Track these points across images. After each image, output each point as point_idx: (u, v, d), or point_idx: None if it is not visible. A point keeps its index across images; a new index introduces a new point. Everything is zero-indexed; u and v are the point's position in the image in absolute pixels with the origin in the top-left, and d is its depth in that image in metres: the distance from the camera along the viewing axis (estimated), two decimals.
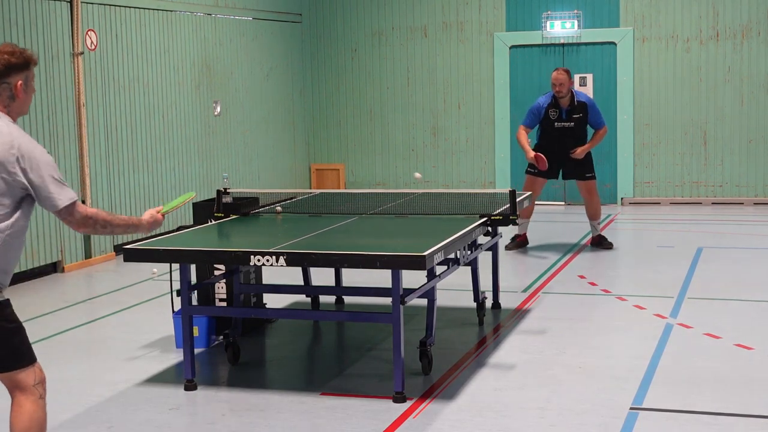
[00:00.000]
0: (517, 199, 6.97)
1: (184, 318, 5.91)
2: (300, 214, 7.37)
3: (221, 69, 12.71)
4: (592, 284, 8.60)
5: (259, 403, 5.59)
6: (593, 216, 10.29)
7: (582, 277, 8.91)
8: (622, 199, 13.95)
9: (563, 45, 13.94)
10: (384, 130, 14.86)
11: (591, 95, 13.73)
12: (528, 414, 5.31)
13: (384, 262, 5.29)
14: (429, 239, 5.70)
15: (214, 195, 7.23)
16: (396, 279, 5.45)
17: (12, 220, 3.91)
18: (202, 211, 7.08)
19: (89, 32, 10.23)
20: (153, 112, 11.29)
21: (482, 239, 7.38)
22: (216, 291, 7.04)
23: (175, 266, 6.29)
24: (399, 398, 5.50)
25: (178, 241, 6.17)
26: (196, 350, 6.41)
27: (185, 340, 5.89)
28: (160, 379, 6.14)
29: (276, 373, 6.39)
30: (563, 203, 14.05)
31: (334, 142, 15.11)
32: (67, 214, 4.00)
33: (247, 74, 13.38)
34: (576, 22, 13.81)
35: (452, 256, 6.45)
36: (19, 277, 9.30)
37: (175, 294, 6.22)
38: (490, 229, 7.04)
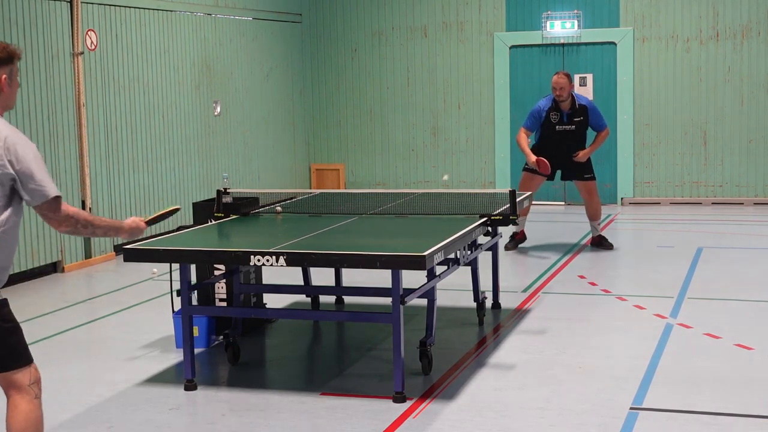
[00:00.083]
0: (517, 199, 6.97)
1: (184, 318, 5.91)
2: (300, 214, 7.37)
3: (221, 69, 12.71)
4: (592, 284, 8.60)
5: (259, 403, 5.59)
6: (593, 216, 10.30)
7: (582, 277, 8.91)
8: (622, 199, 13.96)
9: (563, 45, 13.94)
10: (384, 130, 14.86)
11: (591, 95, 13.75)
12: (528, 414, 5.31)
13: (384, 262, 5.29)
14: (429, 239, 5.70)
15: (214, 195, 7.23)
16: (396, 279, 5.45)
17: (5, 216, 3.89)
18: (202, 211, 7.08)
19: (89, 32, 10.23)
20: (153, 112, 11.30)
21: (482, 239, 7.38)
22: (216, 291, 7.05)
23: (175, 266, 6.29)
24: (399, 398, 5.51)
25: (178, 241, 6.17)
26: (196, 350, 6.42)
27: (185, 340, 5.89)
28: (160, 379, 6.14)
29: (276, 373, 6.39)
30: (563, 203, 14.05)
31: (334, 142, 15.11)
32: (53, 208, 3.93)
33: (247, 74, 13.39)
34: (576, 22, 13.81)
35: (452, 256, 6.45)
36: (19, 277, 9.30)
37: (175, 294, 6.22)
38: (490, 229, 7.04)
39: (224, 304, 7.01)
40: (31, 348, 4.10)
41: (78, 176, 10.07)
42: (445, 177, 9.47)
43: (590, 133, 10.29)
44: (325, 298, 8.00)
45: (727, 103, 13.46)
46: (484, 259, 7.56)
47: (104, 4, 10.48)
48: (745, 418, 5.20)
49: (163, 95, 11.50)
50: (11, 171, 3.86)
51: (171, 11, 11.65)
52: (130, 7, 10.88)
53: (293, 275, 8.02)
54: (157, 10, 11.38)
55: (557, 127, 9.96)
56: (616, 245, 10.37)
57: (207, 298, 7.02)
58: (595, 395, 5.57)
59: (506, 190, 7.12)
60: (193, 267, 6.85)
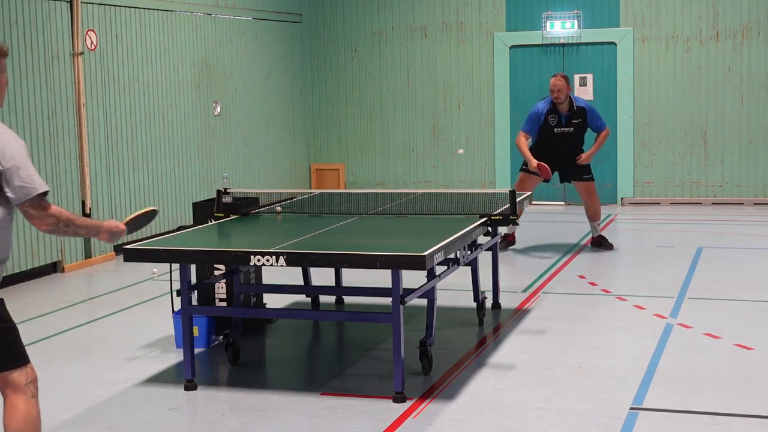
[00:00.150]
0: (517, 199, 6.97)
1: (184, 318, 5.91)
2: (300, 214, 7.37)
3: (221, 69, 12.71)
4: (592, 284, 8.60)
5: (259, 403, 5.59)
6: (593, 217, 10.30)
7: (582, 277, 8.91)
8: (622, 199, 13.96)
9: (563, 45, 13.94)
10: (384, 130, 14.86)
11: (591, 95, 13.76)
12: (528, 414, 5.31)
13: (384, 262, 5.29)
14: (429, 239, 5.70)
15: (214, 195, 7.23)
16: (396, 279, 5.45)
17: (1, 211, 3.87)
18: (202, 211, 7.08)
19: (89, 32, 10.23)
20: (153, 112, 11.30)
21: (482, 239, 7.38)
22: (216, 291, 7.05)
23: (175, 266, 6.29)
24: (399, 398, 5.51)
25: (178, 241, 6.17)
26: (196, 350, 6.42)
27: (185, 340, 5.89)
28: (160, 379, 6.14)
29: (276, 373, 6.39)
30: (563, 203, 14.05)
31: (334, 142, 15.11)
32: (38, 205, 3.88)
33: (247, 74, 13.39)
34: (576, 22, 13.81)
35: (452, 256, 6.45)
36: (19, 277, 9.30)
37: (175, 294, 6.22)
38: (490, 229, 7.05)
39: (224, 304, 7.01)
40: (31, 348, 4.10)
41: (78, 176, 10.07)
42: (461, 150, 9.42)
43: (589, 135, 10.29)
44: (325, 298, 8.00)
45: (727, 103, 13.46)
46: (484, 259, 7.56)
47: (104, 4, 10.48)
48: (745, 418, 5.20)
49: (163, 95, 11.50)
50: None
51: (171, 11, 11.65)
52: (130, 7, 10.88)
53: (293, 275, 8.02)
54: (157, 10, 11.38)
55: (555, 129, 9.97)
56: (616, 245, 10.37)
57: (207, 298, 7.02)
58: (595, 395, 5.57)
59: (506, 190, 7.12)
60: (193, 267, 6.85)
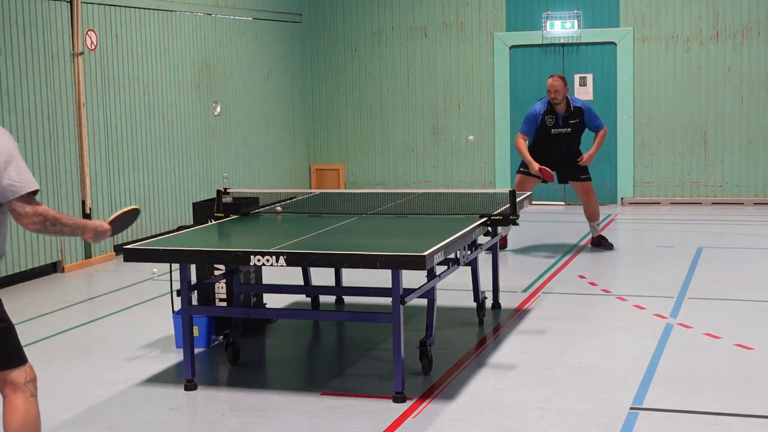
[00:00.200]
0: (517, 199, 6.97)
1: (184, 318, 5.91)
2: (300, 214, 7.37)
3: (221, 69, 12.71)
4: (592, 284, 8.60)
5: (259, 403, 5.59)
6: (592, 217, 10.30)
7: (582, 277, 8.91)
8: (622, 199, 13.96)
9: (563, 45, 13.94)
10: (384, 130, 14.86)
11: (591, 95, 13.76)
12: (528, 414, 5.31)
13: (384, 262, 5.29)
14: (429, 239, 5.70)
15: (214, 195, 7.23)
16: (396, 279, 5.45)
17: None
18: (202, 211, 7.08)
19: (89, 32, 10.23)
20: (153, 112, 11.30)
21: (482, 239, 7.38)
22: (216, 291, 7.05)
23: (175, 266, 6.29)
24: (399, 398, 5.51)
25: (178, 241, 6.17)
26: (196, 350, 6.42)
27: (185, 340, 5.89)
28: (160, 379, 6.14)
29: (276, 373, 6.39)
30: (563, 203, 14.05)
31: (334, 142, 15.11)
32: (25, 204, 3.85)
33: (247, 74, 13.39)
34: (576, 22, 13.81)
35: (452, 256, 6.45)
36: (19, 277, 9.31)
37: (175, 294, 6.22)
38: (490, 229, 7.04)
39: (224, 304, 7.01)
40: (30, 348, 4.11)
41: (78, 176, 10.06)
42: (471, 137, 9.41)
43: (586, 135, 10.27)
44: (325, 298, 8.00)
45: (727, 103, 13.47)
46: (484, 259, 7.55)
47: (104, 4, 10.48)
48: (745, 418, 5.20)
49: (163, 95, 11.50)
50: None
51: (171, 11, 11.65)
52: (130, 7, 10.88)
53: (293, 275, 8.02)
54: (157, 10, 11.38)
55: (553, 130, 9.96)
56: (616, 245, 10.37)
57: (207, 298, 7.02)
58: (595, 395, 5.57)
59: (506, 190, 7.12)
60: (193, 267, 6.85)
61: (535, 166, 9.87)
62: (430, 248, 5.35)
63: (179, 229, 6.66)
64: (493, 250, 7.69)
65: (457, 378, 5.95)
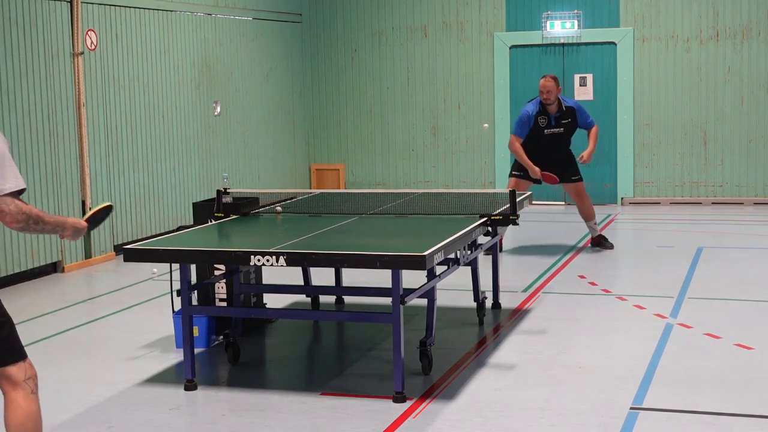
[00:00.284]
0: (517, 200, 6.97)
1: (184, 318, 5.91)
2: (300, 214, 7.37)
3: (221, 69, 12.71)
4: (592, 284, 8.60)
5: (259, 403, 5.59)
6: (587, 217, 10.30)
7: (582, 277, 8.91)
8: (622, 199, 13.96)
9: (563, 45, 13.94)
10: (384, 130, 14.87)
11: (591, 95, 13.77)
12: (528, 414, 5.31)
13: (384, 262, 5.29)
14: (429, 239, 5.70)
15: (214, 195, 7.23)
16: (396, 279, 5.45)
17: None
18: (202, 211, 7.08)
19: (89, 32, 10.23)
20: (153, 112, 11.30)
21: (482, 239, 7.38)
22: (216, 291, 7.05)
23: (175, 266, 6.29)
24: (399, 398, 5.50)
25: (178, 241, 6.17)
26: (196, 350, 6.42)
27: (185, 340, 5.89)
28: (160, 379, 6.14)
29: (276, 373, 6.39)
30: (563, 203, 14.05)
31: (334, 142, 15.11)
32: (10, 201, 3.83)
33: (247, 74, 13.39)
34: (576, 22, 13.81)
35: (452, 256, 6.45)
36: (19, 277, 9.31)
37: (175, 294, 6.22)
38: (490, 229, 7.04)
39: (224, 304, 7.01)
40: (31, 348, 4.10)
41: (78, 176, 10.06)
42: (485, 125, 9.40)
43: (576, 136, 10.28)
44: (325, 298, 8.00)
45: (727, 103, 13.47)
46: (484, 259, 7.55)
47: (104, 4, 10.48)
48: (746, 418, 5.20)
49: (163, 95, 11.50)
50: None
51: (171, 11, 11.65)
52: (130, 7, 10.88)
53: (293, 275, 8.02)
54: (157, 10, 11.38)
55: (545, 130, 9.95)
56: (616, 245, 10.37)
57: (207, 298, 7.02)
58: (595, 395, 5.57)
59: (506, 190, 7.12)
60: (193, 267, 6.85)
61: (536, 170, 9.87)
62: (430, 248, 5.35)
63: (179, 229, 6.66)
64: (493, 250, 7.69)
65: (457, 378, 5.95)
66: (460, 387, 5.77)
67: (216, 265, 6.80)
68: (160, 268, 8.52)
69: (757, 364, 6.16)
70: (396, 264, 5.30)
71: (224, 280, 6.94)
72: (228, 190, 6.98)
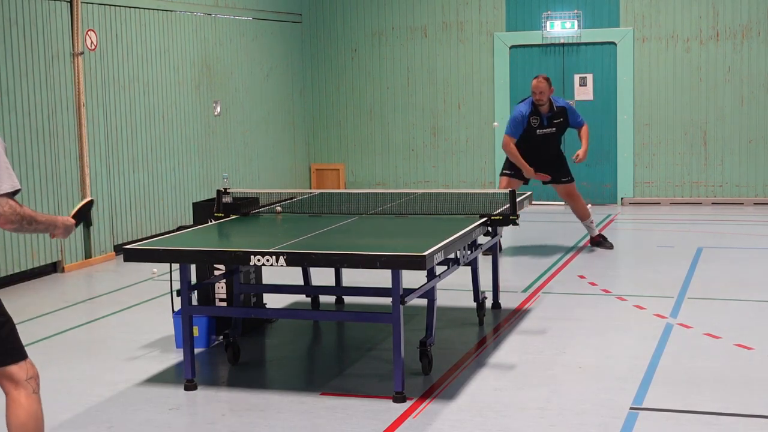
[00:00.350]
0: (517, 200, 6.97)
1: (184, 318, 5.91)
2: (300, 214, 7.37)
3: (221, 69, 12.71)
4: (592, 284, 8.60)
5: (259, 403, 5.59)
6: (582, 216, 10.31)
7: (582, 277, 8.91)
8: (622, 199, 13.96)
9: (563, 45, 13.94)
10: (384, 130, 14.87)
11: (591, 95, 13.77)
12: (528, 414, 5.31)
13: (384, 262, 5.29)
14: (429, 239, 5.70)
15: (214, 195, 7.23)
16: (396, 279, 5.45)
17: None
18: (202, 211, 7.08)
19: (89, 32, 10.23)
20: (153, 112, 11.29)
21: (482, 239, 7.38)
22: (216, 291, 7.04)
23: (175, 266, 6.29)
24: (399, 398, 5.50)
25: (178, 241, 6.17)
26: (196, 350, 6.42)
27: (185, 340, 5.89)
28: (160, 379, 6.14)
29: (276, 373, 6.39)
30: (563, 203, 14.03)
31: (334, 142, 15.11)
32: (4, 202, 3.83)
33: (247, 74, 13.39)
34: (576, 22, 13.81)
35: (452, 256, 6.45)
36: (19, 277, 9.31)
37: (175, 294, 6.22)
38: (490, 229, 7.04)
39: (224, 304, 7.01)
40: (31, 348, 4.10)
41: (78, 176, 10.06)
42: (496, 124, 9.40)
43: (571, 136, 10.28)
44: (325, 298, 8.00)
45: (727, 103, 13.47)
46: (484, 259, 7.55)
47: (104, 4, 10.48)
48: (746, 418, 5.20)
49: (163, 95, 11.50)
50: None
51: (171, 11, 11.65)
52: (130, 7, 10.88)
53: (293, 275, 8.02)
54: (157, 10, 11.38)
55: (538, 131, 9.95)
56: (616, 245, 10.37)
57: (207, 298, 7.02)
58: (595, 395, 5.57)
59: (506, 190, 7.12)
60: (193, 267, 6.85)
61: (530, 169, 9.87)
62: (430, 248, 5.35)
63: (179, 229, 6.66)
64: (493, 250, 7.69)
65: (457, 378, 5.95)
66: (460, 387, 5.77)
67: (216, 265, 6.80)
68: (160, 268, 8.52)
69: (757, 364, 6.16)
70: (396, 264, 5.30)
71: (224, 280, 6.94)
72: (228, 190, 6.98)
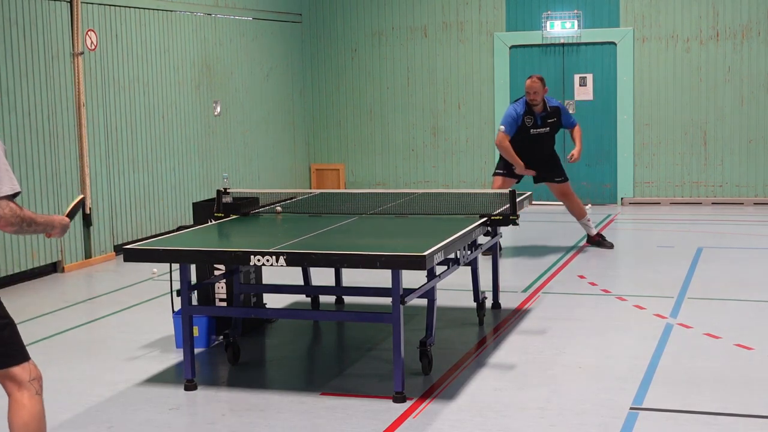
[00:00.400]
0: (518, 200, 6.97)
1: (184, 318, 5.91)
2: (300, 214, 7.37)
3: (221, 69, 12.71)
4: (592, 284, 8.60)
5: (259, 403, 5.59)
6: (578, 215, 10.32)
7: (582, 277, 8.91)
8: (622, 199, 13.95)
9: (563, 45, 13.94)
10: (384, 130, 14.87)
11: (591, 95, 13.77)
12: (528, 414, 5.31)
13: (384, 262, 5.29)
14: (429, 239, 5.70)
15: (214, 195, 7.23)
16: (396, 279, 5.45)
17: None
18: (202, 211, 7.08)
19: (89, 32, 10.23)
20: (153, 112, 11.30)
21: (482, 239, 7.38)
22: (216, 291, 7.05)
23: (175, 266, 6.29)
24: (399, 398, 5.51)
25: (178, 241, 6.17)
26: (196, 350, 6.42)
27: (185, 340, 5.89)
28: (160, 379, 6.14)
29: (276, 373, 6.39)
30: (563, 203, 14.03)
31: (334, 142, 15.11)
32: (5, 205, 3.84)
33: (247, 74, 13.39)
34: (576, 22, 13.81)
35: (452, 256, 6.45)
36: (19, 277, 9.31)
37: (175, 294, 6.22)
38: (490, 229, 7.04)
39: (224, 304, 7.01)
40: (31, 348, 4.09)
41: (78, 176, 10.06)
42: (502, 128, 9.36)
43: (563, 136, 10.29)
44: (325, 298, 8.00)
45: (727, 103, 13.47)
46: (484, 259, 7.54)
47: (104, 4, 10.48)
48: (746, 418, 5.20)
49: (163, 95, 11.50)
50: None
51: (171, 11, 11.65)
52: (130, 7, 10.88)
53: (293, 275, 8.02)
54: (157, 10, 11.38)
55: (532, 130, 9.95)
56: (616, 245, 10.37)
57: (207, 298, 7.02)
58: (595, 395, 5.57)
59: (506, 190, 7.12)
60: (193, 267, 6.85)
61: (522, 165, 9.85)
62: (430, 248, 5.35)
63: (179, 229, 6.66)
64: (493, 250, 7.69)
65: (457, 378, 5.95)
66: (460, 387, 5.77)
67: (216, 265, 6.80)
68: (160, 268, 8.54)
69: (757, 364, 6.16)
70: (396, 264, 5.30)
71: (224, 280, 6.94)
72: (228, 190, 6.98)
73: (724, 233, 11.37)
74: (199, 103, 12.22)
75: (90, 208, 10.18)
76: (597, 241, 10.35)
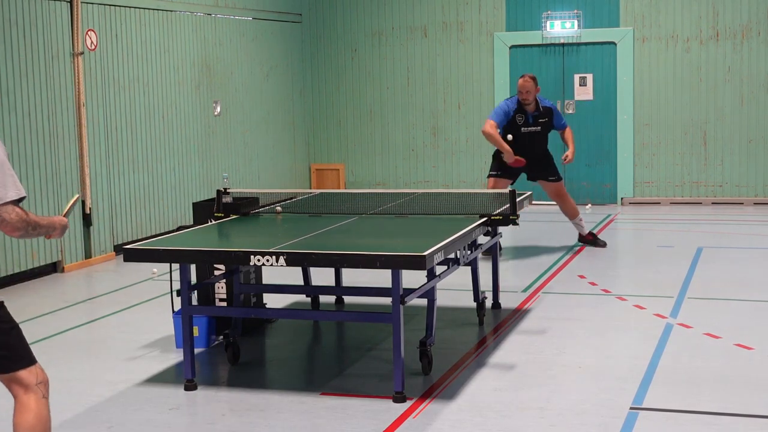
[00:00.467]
0: (518, 200, 6.96)
1: (184, 318, 5.91)
2: (300, 214, 7.37)
3: (221, 69, 12.71)
4: (592, 284, 8.60)
5: (259, 403, 5.59)
6: (572, 215, 10.33)
7: (582, 277, 8.91)
8: (622, 199, 13.96)
9: (563, 45, 13.94)
10: (384, 130, 14.87)
11: (591, 95, 13.77)
12: (528, 414, 5.31)
13: (384, 262, 5.29)
14: (429, 239, 5.70)
15: (214, 195, 7.23)
16: (396, 279, 5.45)
17: None
18: (202, 211, 7.08)
19: (89, 32, 10.23)
20: (153, 112, 11.30)
21: (482, 239, 7.38)
22: (216, 291, 7.05)
23: (175, 266, 6.29)
24: (399, 398, 5.51)
25: (178, 241, 6.17)
26: (196, 350, 6.42)
27: (185, 340, 5.89)
28: (160, 379, 6.14)
29: (276, 373, 6.39)
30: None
31: (334, 142, 15.11)
32: (11, 210, 3.83)
33: (247, 74, 13.39)
34: (576, 22, 13.81)
35: (452, 256, 6.45)
36: (19, 277, 9.31)
37: (175, 294, 6.22)
38: (489, 229, 7.04)
39: (224, 304, 7.01)
40: (31, 348, 4.09)
41: (78, 176, 10.06)
42: (509, 137, 9.38)
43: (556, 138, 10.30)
44: (325, 298, 8.00)
45: (727, 103, 13.47)
46: (484, 258, 7.54)
47: (104, 4, 10.48)
48: (746, 418, 5.20)
49: (163, 95, 11.50)
50: None
51: (171, 11, 11.65)
52: (130, 7, 10.88)
53: (293, 275, 8.02)
54: (157, 10, 11.38)
55: (523, 128, 9.94)
56: (616, 245, 10.38)
57: (207, 298, 7.02)
58: (595, 395, 5.57)
59: (506, 190, 7.12)
60: (193, 267, 6.85)
61: (510, 152, 9.73)
62: (430, 248, 5.35)
63: (179, 229, 6.66)
64: (493, 250, 7.69)
65: (457, 378, 5.95)
66: (460, 387, 5.77)
67: (216, 265, 6.80)
68: (160, 268, 8.54)
69: (757, 364, 6.16)
70: (396, 264, 5.30)
71: (224, 280, 6.94)
72: (228, 190, 6.98)
73: (724, 233, 11.37)
74: (199, 103, 12.22)
75: (90, 208, 10.18)
76: (589, 240, 10.36)
